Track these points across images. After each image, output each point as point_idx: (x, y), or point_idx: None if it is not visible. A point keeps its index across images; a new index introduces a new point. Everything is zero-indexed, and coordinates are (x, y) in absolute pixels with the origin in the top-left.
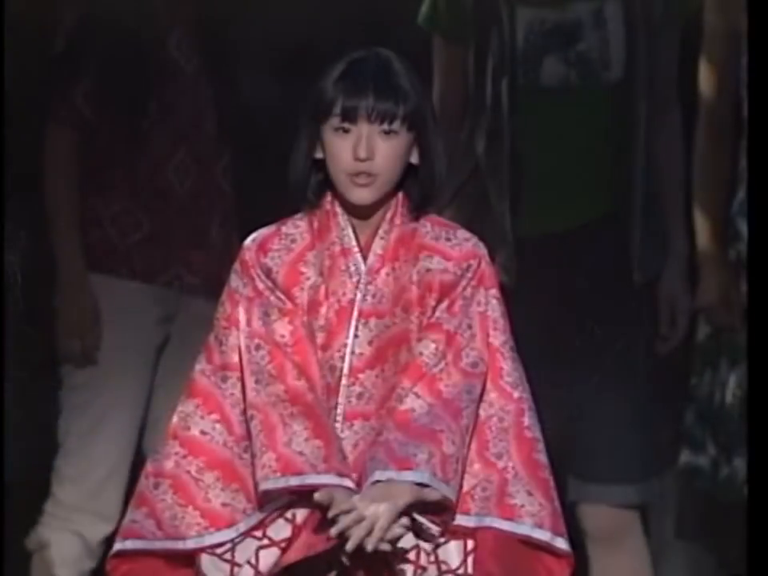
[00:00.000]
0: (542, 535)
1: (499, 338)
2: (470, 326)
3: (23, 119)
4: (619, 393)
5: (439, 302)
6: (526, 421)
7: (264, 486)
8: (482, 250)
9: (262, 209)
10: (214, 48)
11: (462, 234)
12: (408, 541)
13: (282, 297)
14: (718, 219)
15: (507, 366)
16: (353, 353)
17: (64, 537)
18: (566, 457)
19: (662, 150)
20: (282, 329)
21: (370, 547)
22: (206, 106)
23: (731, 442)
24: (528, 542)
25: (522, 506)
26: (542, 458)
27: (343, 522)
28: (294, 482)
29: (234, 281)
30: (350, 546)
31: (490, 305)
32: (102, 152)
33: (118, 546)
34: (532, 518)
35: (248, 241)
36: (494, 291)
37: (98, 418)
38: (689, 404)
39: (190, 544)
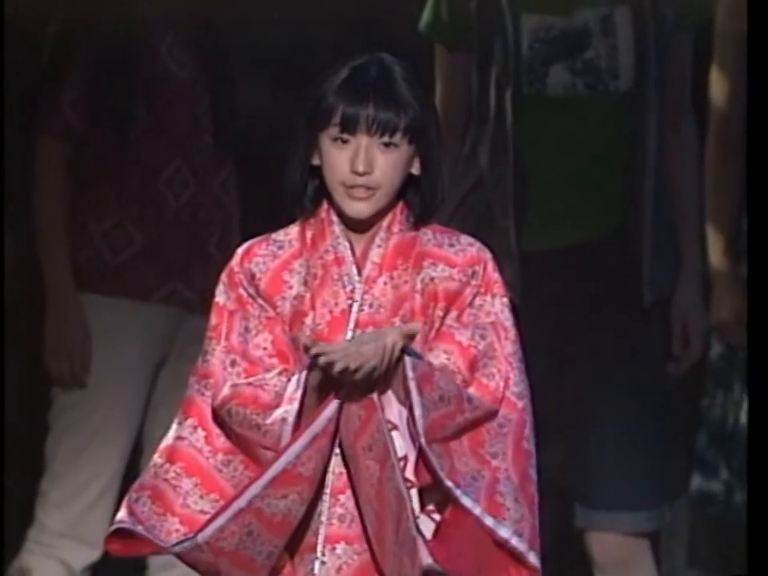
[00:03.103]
0: (520, 545)
1: (509, 347)
2: (482, 336)
3: (13, 131)
4: (628, 416)
5: (447, 311)
6: (526, 431)
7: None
8: (487, 254)
9: (266, 222)
10: (209, 54)
11: (465, 239)
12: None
13: (264, 304)
14: (731, 234)
15: (514, 376)
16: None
17: (47, 564)
18: (573, 482)
19: (674, 162)
20: (263, 341)
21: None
22: (202, 114)
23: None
24: (501, 546)
25: (509, 509)
26: (533, 473)
27: (331, 353)
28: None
29: (219, 292)
30: (337, 367)
31: (500, 313)
32: (91, 164)
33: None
34: (514, 525)
35: (239, 249)
36: (504, 299)
37: (86, 440)
38: (700, 426)
39: (173, 549)
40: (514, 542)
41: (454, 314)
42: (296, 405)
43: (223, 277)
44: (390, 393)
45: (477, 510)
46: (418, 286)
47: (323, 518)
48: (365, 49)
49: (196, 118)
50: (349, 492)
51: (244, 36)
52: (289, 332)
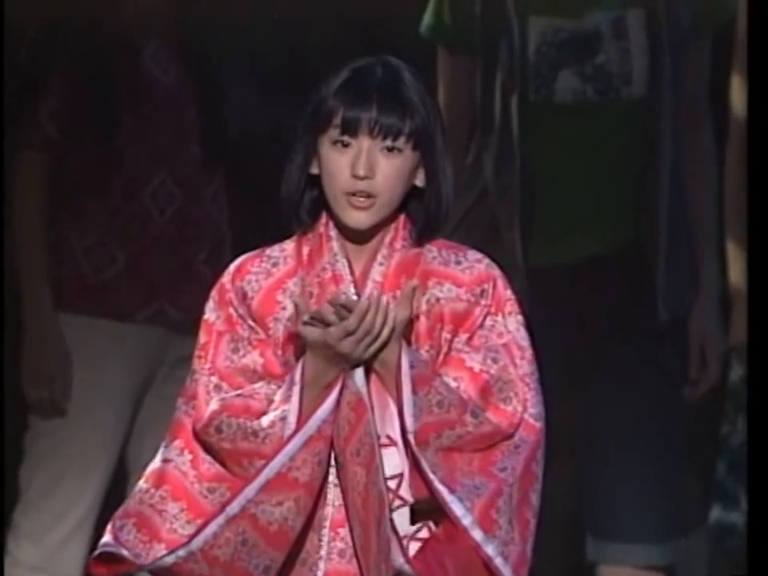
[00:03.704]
0: (504, 568)
1: (525, 367)
2: (495, 360)
3: None
4: (642, 442)
5: (454, 333)
6: (538, 454)
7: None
8: (496, 271)
9: (259, 237)
10: (195, 59)
11: (473, 255)
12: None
13: (255, 326)
14: None
15: (532, 398)
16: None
17: None
18: (584, 512)
19: (691, 172)
20: (252, 363)
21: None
22: (189, 123)
23: None
24: (486, 566)
25: (501, 527)
26: (534, 499)
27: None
28: None
29: (209, 309)
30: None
31: (512, 334)
32: (72, 176)
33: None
34: (502, 546)
35: (231, 265)
36: (519, 317)
37: (63, 468)
38: (720, 454)
39: (165, 560)
40: (498, 562)
41: (463, 337)
42: (295, 401)
43: (213, 293)
44: (392, 408)
45: (466, 521)
46: (423, 307)
47: (323, 553)
48: (363, 52)
49: (182, 126)
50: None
51: (235, 40)
52: (281, 355)
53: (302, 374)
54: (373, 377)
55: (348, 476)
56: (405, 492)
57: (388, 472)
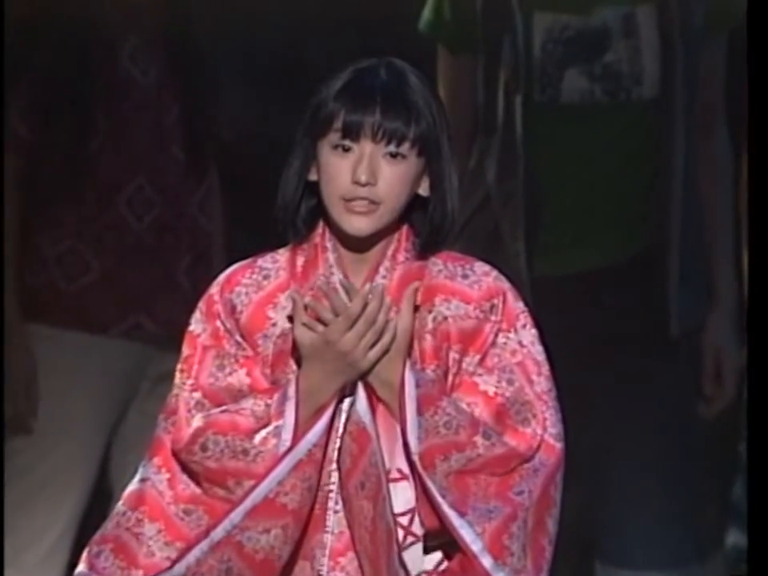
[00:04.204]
0: None
1: (543, 384)
2: (510, 381)
3: None
4: (654, 463)
5: (464, 353)
6: (557, 477)
7: None
8: (505, 284)
9: (255, 246)
10: (178, 58)
11: (481, 267)
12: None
13: (242, 342)
14: None
15: (551, 416)
16: (347, 413)
17: None
18: (594, 538)
19: (705, 178)
20: (238, 382)
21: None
22: (172, 126)
23: None
24: None
25: (512, 554)
26: (551, 525)
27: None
28: None
29: (195, 320)
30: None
31: (527, 348)
32: (45, 180)
33: None
34: (512, 574)
35: (221, 275)
36: (533, 330)
37: (36, 488)
38: (737, 474)
39: None
40: None
41: (475, 357)
42: (290, 416)
43: (201, 304)
44: (401, 442)
45: (476, 546)
46: (429, 326)
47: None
48: (359, 49)
49: (163, 130)
50: (351, 554)
51: (226, 36)
52: (270, 374)
53: (297, 389)
54: (380, 409)
55: (354, 511)
56: (417, 528)
57: (400, 507)
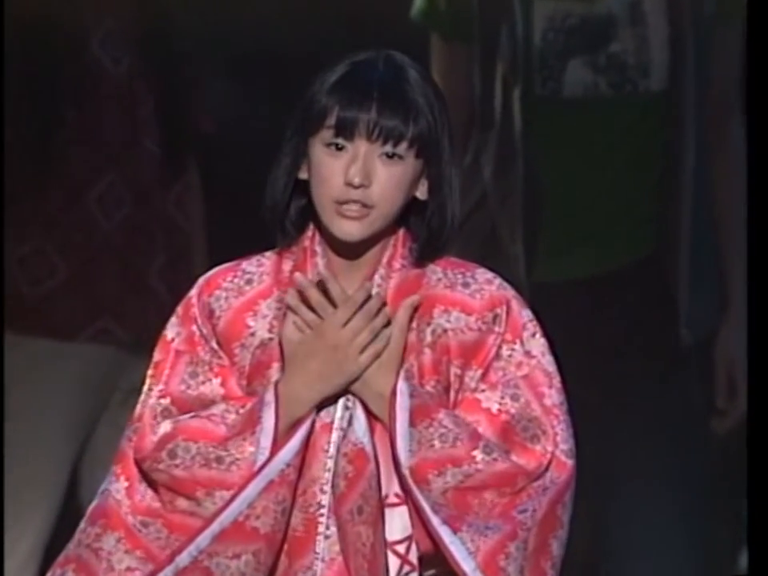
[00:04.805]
0: None
1: (554, 396)
2: (514, 397)
3: None
4: (663, 481)
5: (465, 368)
6: (566, 496)
7: None
8: (509, 292)
9: (236, 247)
10: (156, 46)
11: (482, 275)
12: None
13: (218, 349)
14: None
15: (563, 432)
16: (342, 432)
17: None
18: (598, 561)
19: (718, 176)
20: (211, 392)
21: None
22: (146, 118)
23: None
24: None
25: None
26: (556, 547)
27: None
28: None
29: (171, 325)
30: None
31: (537, 359)
32: (9, 176)
33: None
34: None
35: (201, 277)
36: (541, 339)
37: (3, 501)
38: None
39: None
40: None
41: (477, 372)
42: (268, 422)
43: (179, 307)
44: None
45: (467, 566)
46: (428, 339)
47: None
48: (348, 40)
49: (137, 122)
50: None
51: (205, 23)
52: (247, 387)
53: (276, 394)
54: (378, 429)
55: (349, 538)
56: (414, 557)
57: (397, 534)
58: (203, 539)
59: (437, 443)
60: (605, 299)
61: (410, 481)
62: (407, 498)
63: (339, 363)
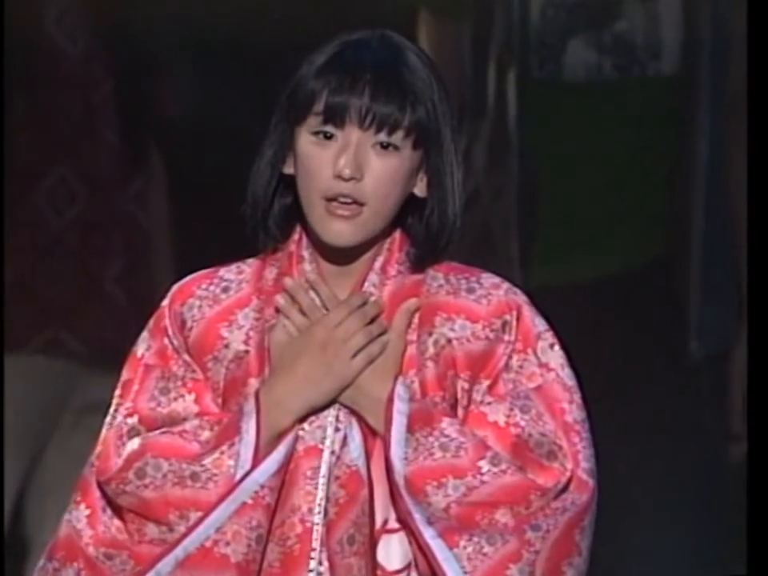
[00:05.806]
0: None
1: (575, 412)
2: (524, 409)
3: None
4: (673, 511)
5: (474, 381)
6: (585, 520)
7: None
8: (520, 297)
9: (205, 248)
10: (111, 24)
11: (488, 279)
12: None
13: (190, 362)
14: None
15: (584, 449)
16: (334, 454)
17: None
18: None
19: (735, 170)
20: (184, 409)
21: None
22: (103, 104)
23: None
24: None
25: None
26: (571, 573)
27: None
28: None
29: (141, 339)
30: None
31: (556, 372)
32: None
33: None
34: None
35: (175, 284)
36: (559, 351)
37: None
38: None
39: None
40: None
41: (484, 384)
42: (252, 431)
43: (151, 320)
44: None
45: None
46: (430, 351)
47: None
48: (329, 20)
49: (92, 109)
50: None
51: (172, 2)
52: (222, 405)
53: (257, 403)
54: (375, 450)
55: (339, 572)
56: None
57: (397, 563)
58: (164, 565)
59: (437, 452)
60: (607, 305)
61: (404, 491)
62: (403, 515)
63: (328, 364)
